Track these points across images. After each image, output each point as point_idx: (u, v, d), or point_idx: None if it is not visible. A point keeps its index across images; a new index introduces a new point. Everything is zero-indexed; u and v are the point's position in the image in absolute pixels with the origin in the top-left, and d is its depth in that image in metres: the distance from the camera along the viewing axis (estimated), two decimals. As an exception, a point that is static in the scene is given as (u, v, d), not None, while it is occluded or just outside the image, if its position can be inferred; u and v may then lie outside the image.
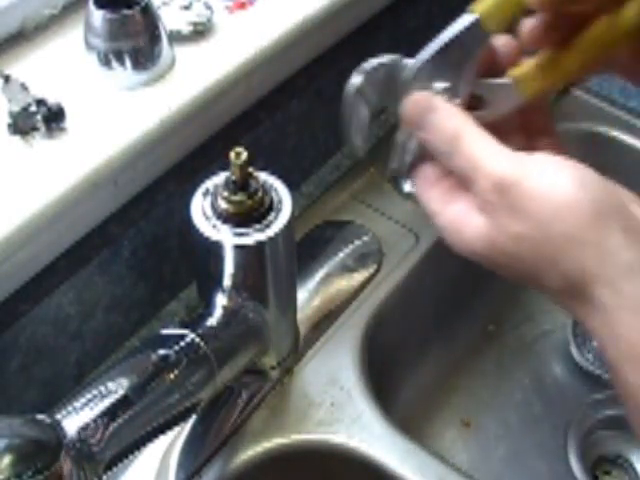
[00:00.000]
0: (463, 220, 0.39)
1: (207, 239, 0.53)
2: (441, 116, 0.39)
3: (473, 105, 0.42)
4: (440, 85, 0.41)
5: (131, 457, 0.50)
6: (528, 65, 0.41)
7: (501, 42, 0.42)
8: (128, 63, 0.60)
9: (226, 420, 0.65)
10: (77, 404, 0.47)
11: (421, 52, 0.41)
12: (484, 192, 0.37)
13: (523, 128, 0.44)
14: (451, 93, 0.41)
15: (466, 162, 0.38)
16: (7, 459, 0.39)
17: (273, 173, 0.57)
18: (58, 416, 0.46)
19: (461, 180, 0.40)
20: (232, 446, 0.64)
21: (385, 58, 0.42)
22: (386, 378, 0.78)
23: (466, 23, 0.39)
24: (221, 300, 0.57)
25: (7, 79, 0.58)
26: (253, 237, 0.53)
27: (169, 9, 0.65)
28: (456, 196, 0.40)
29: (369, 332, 0.72)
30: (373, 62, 0.42)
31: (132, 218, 0.64)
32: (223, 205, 0.53)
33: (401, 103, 0.41)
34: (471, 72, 0.41)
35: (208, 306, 0.58)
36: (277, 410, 0.66)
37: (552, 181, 0.35)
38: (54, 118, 0.57)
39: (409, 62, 0.41)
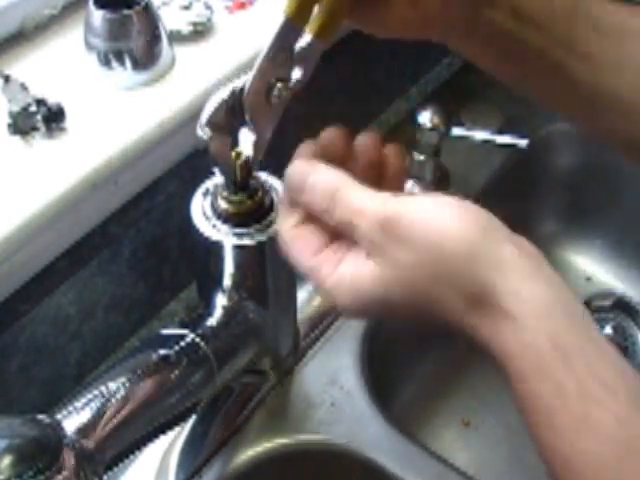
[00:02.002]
0: (355, 272, 0.39)
1: (207, 239, 0.53)
2: (320, 174, 0.41)
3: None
4: (278, 84, 0.45)
5: (131, 457, 0.50)
6: (317, 17, 0.45)
7: None
8: (128, 63, 0.60)
9: (226, 420, 0.65)
10: (77, 404, 0.47)
11: (254, 64, 0.45)
12: (370, 233, 0.38)
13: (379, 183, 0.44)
14: (287, 86, 0.46)
15: (347, 210, 0.39)
16: (7, 459, 0.39)
17: (274, 172, 0.57)
18: (58, 416, 0.45)
19: (343, 232, 0.40)
20: (232, 446, 0.64)
21: (224, 94, 0.46)
22: (386, 378, 0.78)
23: (279, 26, 0.44)
24: (221, 300, 0.57)
25: (7, 79, 0.58)
26: (253, 237, 0.53)
27: (169, 9, 0.65)
28: (343, 255, 0.40)
29: (369, 332, 0.72)
30: (213, 105, 0.47)
31: (132, 218, 0.64)
32: (223, 205, 0.53)
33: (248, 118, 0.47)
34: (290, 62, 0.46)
35: (208, 306, 0.58)
36: (277, 410, 0.66)
37: (434, 209, 0.37)
38: (54, 118, 0.57)
39: (244, 82, 0.46)
